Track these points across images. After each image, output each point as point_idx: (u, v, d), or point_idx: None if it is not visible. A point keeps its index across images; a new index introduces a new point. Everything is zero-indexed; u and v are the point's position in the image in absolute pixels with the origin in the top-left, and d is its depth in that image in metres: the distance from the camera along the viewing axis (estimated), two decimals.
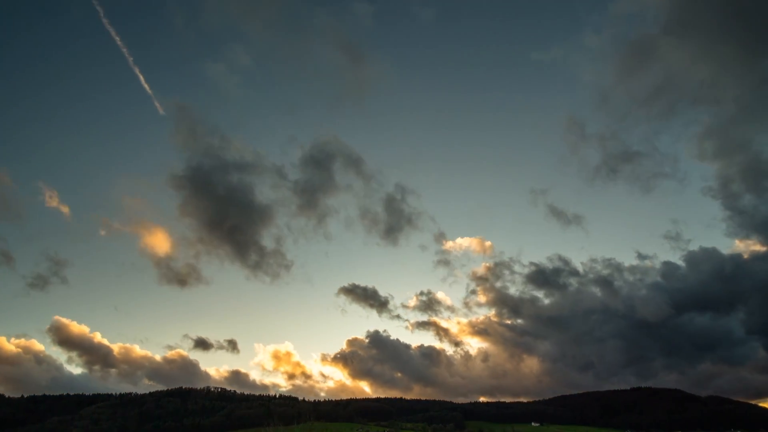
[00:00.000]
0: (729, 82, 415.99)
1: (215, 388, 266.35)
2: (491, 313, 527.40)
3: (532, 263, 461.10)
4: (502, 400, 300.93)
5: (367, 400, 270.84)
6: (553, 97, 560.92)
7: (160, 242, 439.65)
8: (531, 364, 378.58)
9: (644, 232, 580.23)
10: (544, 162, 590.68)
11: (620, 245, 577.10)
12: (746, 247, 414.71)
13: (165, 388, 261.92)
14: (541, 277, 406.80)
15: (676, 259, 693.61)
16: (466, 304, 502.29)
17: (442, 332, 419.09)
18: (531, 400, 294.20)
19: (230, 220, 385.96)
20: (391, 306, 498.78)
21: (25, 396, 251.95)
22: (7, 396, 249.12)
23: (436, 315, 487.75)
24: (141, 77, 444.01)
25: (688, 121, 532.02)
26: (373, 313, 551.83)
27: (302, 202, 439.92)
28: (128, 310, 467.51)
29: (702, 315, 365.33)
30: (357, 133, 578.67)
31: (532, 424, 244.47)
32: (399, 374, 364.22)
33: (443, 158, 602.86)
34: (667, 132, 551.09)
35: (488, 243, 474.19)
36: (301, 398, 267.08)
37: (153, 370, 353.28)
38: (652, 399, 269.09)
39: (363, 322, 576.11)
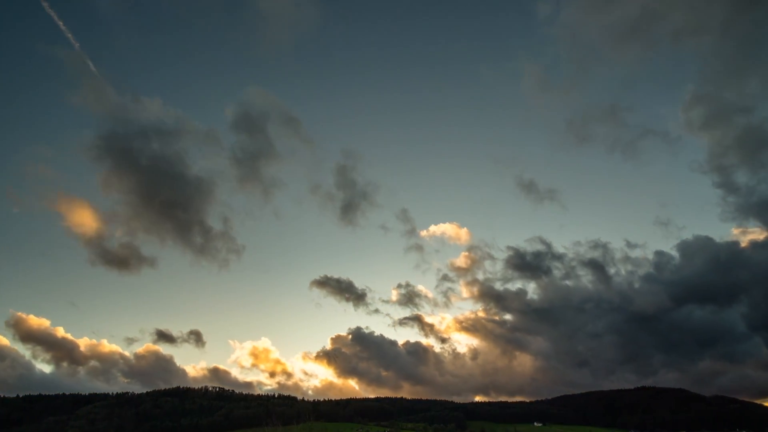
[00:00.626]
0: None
1: (213, 387, 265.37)
2: (478, 308, 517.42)
3: (510, 248, 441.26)
4: (499, 399, 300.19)
5: (367, 400, 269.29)
6: (509, 40, 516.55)
7: (85, 219, 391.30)
8: (524, 362, 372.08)
9: (631, 211, 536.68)
10: (508, 125, 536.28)
11: (604, 223, 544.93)
12: (743, 234, 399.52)
13: (162, 388, 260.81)
14: (521, 262, 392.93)
15: (668, 246, 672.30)
16: (447, 297, 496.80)
17: (427, 328, 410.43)
18: (533, 399, 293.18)
19: (162, 194, 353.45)
20: (369, 299, 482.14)
21: (21, 395, 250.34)
22: (2, 396, 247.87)
23: (418, 309, 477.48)
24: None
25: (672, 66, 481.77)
26: (350, 306, 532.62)
27: (242, 173, 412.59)
28: (64, 295, 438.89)
29: (701, 309, 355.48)
30: (293, 90, 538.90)
31: (535, 424, 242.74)
32: (387, 372, 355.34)
33: (393, 123, 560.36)
34: (649, 81, 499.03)
35: (464, 230, 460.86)
36: (300, 398, 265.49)
37: (129, 367, 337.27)
38: (656, 398, 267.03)
39: (341, 317, 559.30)
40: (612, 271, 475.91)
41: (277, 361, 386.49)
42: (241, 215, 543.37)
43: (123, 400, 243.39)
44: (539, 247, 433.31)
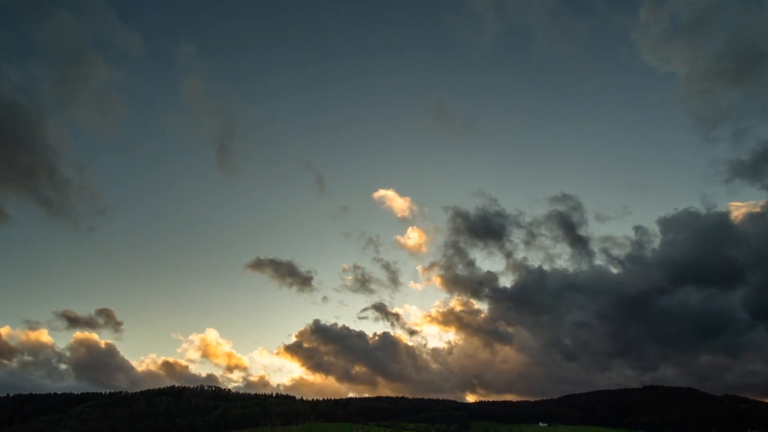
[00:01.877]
0: None
1: (209, 386, 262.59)
2: (447, 297, 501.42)
3: (453, 209, 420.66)
4: (492, 398, 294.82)
5: (368, 399, 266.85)
6: None
7: None
8: (508, 356, 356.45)
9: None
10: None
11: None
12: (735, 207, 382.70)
13: (157, 387, 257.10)
14: (473, 228, 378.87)
15: (649, 219, 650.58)
16: (399, 280, 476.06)
17: (392, 317, 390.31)
18: (538, 399, 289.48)
19: None
20: (316, 284, 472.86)
21: (11, 395, 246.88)
22: None
23: (374, 295, 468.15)
24: None
25: None
26: (294, 292, 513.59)
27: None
28: None
29: (697, 294, 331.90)
30: None
31: (540, 424, 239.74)
32: (359, 367, 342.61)
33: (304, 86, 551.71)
34: None
35: (407, 198, 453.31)
36: (298, 397, 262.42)
37: (65, 361, 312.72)
38: (665, 398, 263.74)
39: (291, 305, 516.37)
40: (591, 247, 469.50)
41: (231, 355, 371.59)
42: (91, 162, 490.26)
43: (116, 399, 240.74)
44: (489, 207, 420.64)
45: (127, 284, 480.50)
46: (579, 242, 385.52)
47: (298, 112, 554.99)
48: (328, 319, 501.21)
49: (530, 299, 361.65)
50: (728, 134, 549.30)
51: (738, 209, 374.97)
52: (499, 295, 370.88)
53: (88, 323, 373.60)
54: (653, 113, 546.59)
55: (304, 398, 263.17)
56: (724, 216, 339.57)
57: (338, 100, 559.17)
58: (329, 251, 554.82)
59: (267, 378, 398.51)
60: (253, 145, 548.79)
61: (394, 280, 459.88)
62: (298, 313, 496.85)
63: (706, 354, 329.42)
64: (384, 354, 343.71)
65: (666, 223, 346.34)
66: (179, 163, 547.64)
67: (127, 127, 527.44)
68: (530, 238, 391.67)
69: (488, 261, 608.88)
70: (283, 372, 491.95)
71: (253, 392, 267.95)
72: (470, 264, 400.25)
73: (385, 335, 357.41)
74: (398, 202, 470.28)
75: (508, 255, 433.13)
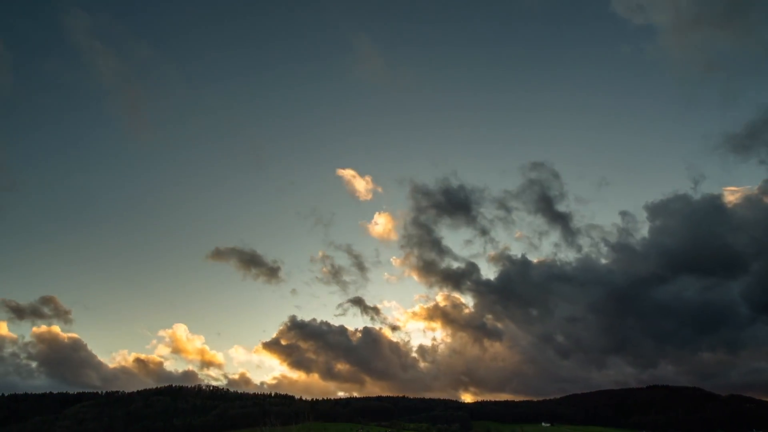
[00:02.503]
0: None
1: (207, 386, 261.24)
2: (430, 291, 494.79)
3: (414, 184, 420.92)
4: (488, 398, 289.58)
5: (368, 399, 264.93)
6: None
7: None
8: (498, 353, 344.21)
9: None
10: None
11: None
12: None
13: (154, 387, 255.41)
14: (439, 204, 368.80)
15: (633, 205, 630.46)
16: (372, 270, 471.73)
17: (371, 312, 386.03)
18: (540, 399, 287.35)
19: None
20: (283, 275, 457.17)
21: (6, 395, 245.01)
22: None
23: (344, 287, 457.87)
24: None
25: None
26: (263, 284, 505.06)
27: None
28: None
29: (693, 286, 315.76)
30: None
31: (543, 424, 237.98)
32: (344, 365, 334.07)
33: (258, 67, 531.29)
34: None
35: (368, 178, 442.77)
36: (297, 397, 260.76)
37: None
38: (669, 398, 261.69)
39: (261, 297, 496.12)
40: (573, 225, 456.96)
41: (204, 351, 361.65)
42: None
43: (113, 399, 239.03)
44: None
45: (69, 271, 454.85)
46: (560, 219, 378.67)
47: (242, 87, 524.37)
48: (300, 313, 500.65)
49: (516, 292, 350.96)
50: (716, 99, 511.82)
51: (733, 194, 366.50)
52: (483, 288, 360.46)
53: (35, 313, 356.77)
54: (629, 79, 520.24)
55: (303, 398, 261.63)
56: (717, 199, 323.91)
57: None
58: (293, 239, 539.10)
59: (248, 375, 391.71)
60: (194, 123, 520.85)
61: (366, 271, 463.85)
62: (269, 307, 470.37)
63: (706, 350, 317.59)
64: (368, 351, 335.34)
65: (655, 209, 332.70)
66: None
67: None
68: (505, 213, 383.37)
69: (467, 248, 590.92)
70: (263, 369, 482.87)
71: (240, 391, 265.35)
72: (442, 248, 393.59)
73: (367, 331, 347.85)
74: (360, 183, 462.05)
75: (483, 232, 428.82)
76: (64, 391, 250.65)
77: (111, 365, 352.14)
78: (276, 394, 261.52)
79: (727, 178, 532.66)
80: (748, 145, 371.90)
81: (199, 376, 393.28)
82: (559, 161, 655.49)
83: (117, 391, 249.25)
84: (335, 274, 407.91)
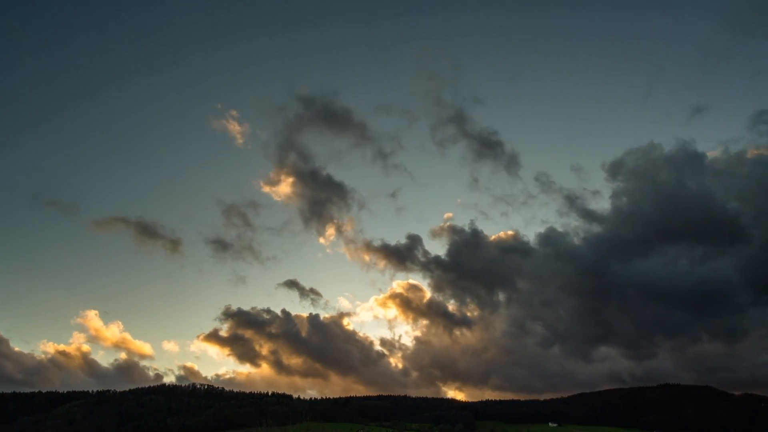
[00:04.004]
0: None
1: (201, 385, 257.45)
2: (372, 267, 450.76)
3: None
4: (494, 397, 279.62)
5: (368, 398, 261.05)
6: None
7: None
8: (469, 344, 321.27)
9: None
10: None
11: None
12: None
13: (147, 386, 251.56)
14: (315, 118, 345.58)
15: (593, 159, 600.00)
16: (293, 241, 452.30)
17: (309, 295, 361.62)
18: (548, 398, 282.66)
19: None
20: (185, 249, 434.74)
21: None
22: None
23: (266, 263, 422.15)
24: None
25: None
26: (161, 258, 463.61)
27: None
28: None
29: (680, 259, 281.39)
30: None
31: (550, 424, 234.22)
32: (298, 357, 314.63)
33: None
34: None
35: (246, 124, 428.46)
36: (295, 396, 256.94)
37: None
38: (681, 397, 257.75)
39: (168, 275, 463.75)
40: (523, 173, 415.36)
41: (126, 340, 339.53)
42: None
43: (104, 398, 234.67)
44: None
45: None
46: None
47: None
48: (230, 298, 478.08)
49: (473, 270, 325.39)
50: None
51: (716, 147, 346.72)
52: (433, 266, 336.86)
53: None
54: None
55: (301, 397, 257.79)
56: (700, 158, 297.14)
57: None
58: (190, 208, 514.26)
59: (196, 368, 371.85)
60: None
61: (284, 240, 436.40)
62: (182, 288, 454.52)
63: (706, 340, 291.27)
64: (325, 343, 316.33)
65: (619, 167, 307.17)
66: None
67: None
68: (425, 142, 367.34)
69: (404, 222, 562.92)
70: (203, 361, 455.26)
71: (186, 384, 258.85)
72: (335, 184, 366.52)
73: (316, 319, 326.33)
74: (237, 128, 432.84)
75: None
76: (54, 390, 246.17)
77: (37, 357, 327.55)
78: (273, 393, 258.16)
79: (707, 129, 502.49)
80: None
81: (140, 370, 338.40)
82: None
83: (108, 390, 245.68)
84: (251, 250, 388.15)
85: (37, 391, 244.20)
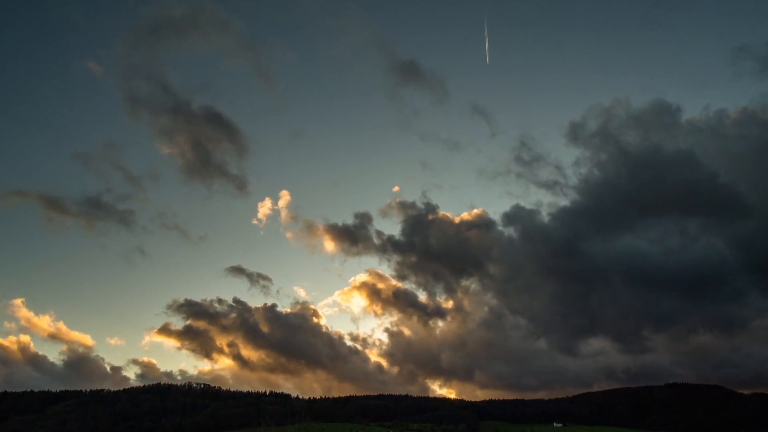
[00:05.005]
0: None
1: (197, 384, 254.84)
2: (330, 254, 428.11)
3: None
4: (497, 396, 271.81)
5: (369, 398, 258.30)
6: None
7: None
8: (446, 337, 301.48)
9: None
10: None
11: None
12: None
13: (142, 385, 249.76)
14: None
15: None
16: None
17: (259, 280, 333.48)
18: (552, 397, 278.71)
19: None
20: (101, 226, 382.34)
21: None
22: None
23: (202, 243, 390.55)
24: None
25: None
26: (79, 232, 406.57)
27: None
28: None
29: (666, 237, 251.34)
30: None
31: (554, 424, 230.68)
32: (261, 353, 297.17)
33: None
34: None
35: None
36: (294, 395, 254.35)
37: None
38: (689, 396, 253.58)
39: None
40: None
41: (59, 328, 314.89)
42: None
43: (97, 398, 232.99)
44: None
45: None
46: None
47: None
48: (168, 283, 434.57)
49: (435, 253, 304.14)
50: None
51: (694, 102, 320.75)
52: (391, 248, 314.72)
53: None
54: None
55: (300, 396, 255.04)
56: (674, 113, 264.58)
57: None
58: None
59: (155, 363, 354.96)
60: None
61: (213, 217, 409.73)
62: (114, 273, 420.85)
63: (702, 332, 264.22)
64: (286, 335, 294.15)
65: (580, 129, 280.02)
66: None
67: None
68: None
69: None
70: (153, 355, 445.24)
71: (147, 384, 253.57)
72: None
73: (272, 311, 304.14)
74: None
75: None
76: (46, 389, 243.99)
77: None
78: (271, 392, 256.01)
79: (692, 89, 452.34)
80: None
81: (93, 364, 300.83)
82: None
83: (102, 390, 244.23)
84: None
85: (29, 390, 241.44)
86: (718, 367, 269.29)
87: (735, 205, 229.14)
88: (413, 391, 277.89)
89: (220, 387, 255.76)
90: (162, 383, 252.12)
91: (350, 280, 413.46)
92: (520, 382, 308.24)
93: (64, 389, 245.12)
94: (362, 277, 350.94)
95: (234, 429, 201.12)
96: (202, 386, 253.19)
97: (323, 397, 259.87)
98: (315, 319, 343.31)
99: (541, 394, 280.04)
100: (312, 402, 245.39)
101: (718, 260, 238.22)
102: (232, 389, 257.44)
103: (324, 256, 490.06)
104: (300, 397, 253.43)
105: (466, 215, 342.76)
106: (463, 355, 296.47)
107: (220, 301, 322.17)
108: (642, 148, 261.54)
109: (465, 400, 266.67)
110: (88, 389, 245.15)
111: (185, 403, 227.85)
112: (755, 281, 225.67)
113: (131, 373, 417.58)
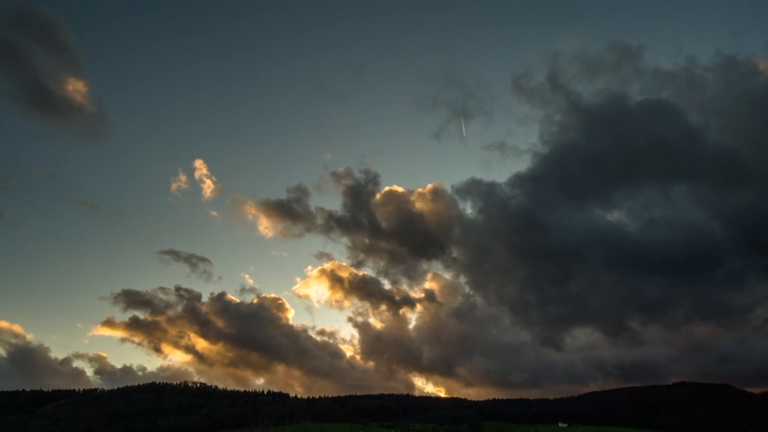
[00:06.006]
0: None
1: (193, 383, 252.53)
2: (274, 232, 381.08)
3: None
4: (502, 396, 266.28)
5: (370, 397, 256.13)
6: None
7: None
8: (419, 328, 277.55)
9: None
10: None
11: None
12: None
13: (136, 384, 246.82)
14: None
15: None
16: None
17: (197, 263, 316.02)
18: (558, 397, 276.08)
19: None
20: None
21: None
22: None
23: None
24: None
25: None
26: None
27: None
28: None
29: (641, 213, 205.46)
30: None
31: (559, 424, 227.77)
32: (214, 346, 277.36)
33: None
34: None
35: None
36: (292, 395, 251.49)
37: None
38: (697, 396, 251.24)
39: None
40: None
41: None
42: None
43: (91, 397, 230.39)
44: None
45: None
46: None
47: None
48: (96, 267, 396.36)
49: (381, 229, 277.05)
50: None
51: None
52: (336, 227, 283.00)
53: None
54: None
55: (298, 395, 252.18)
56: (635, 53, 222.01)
57: None
58: None
59: (107, 358, 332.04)
60: None
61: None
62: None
63: (698, 323, 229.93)
64: (243, 325, 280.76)
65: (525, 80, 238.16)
66: None
67: None
68: None
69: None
70: (97, 348, 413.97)
71: (241, 389, 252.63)
72: None
73: (221, 300, 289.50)
74: None
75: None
76: (38, 389, 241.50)
77: None
78: (269, 391, 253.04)
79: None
80: None
81: (40, 357, 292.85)
82: None
83: (95, 389, 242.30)
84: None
85: (21, 389, 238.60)
86: (720, 362, 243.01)
87: (730, 170, 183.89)
88: (394, 387, 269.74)
89: (216, 386, 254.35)
90: (157, 382, 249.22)
91: (305, 268, 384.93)
92: (507, 380, 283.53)
93: (56, 388, 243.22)
94: (314, 261, 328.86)
95: (231, 429, 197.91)
96: (198, 385, 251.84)
97: (322, 396, 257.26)
98: (277, 311, 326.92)
99: (535, 393, 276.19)
100: (311, 401, 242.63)
101: (710, 237, 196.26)
102: (228, 388, 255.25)
103: (262, 237, 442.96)
104: (298, 396, 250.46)
105: (418, 189, 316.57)
106: (441, 349, 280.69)
107: (163, 290, 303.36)
108: (601, 99, 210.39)
109: (468, 400, 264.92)
110: (81, 389, 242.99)
111: (181, 403, 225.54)
112: (755, 263, 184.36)
113: (84, 366, 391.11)
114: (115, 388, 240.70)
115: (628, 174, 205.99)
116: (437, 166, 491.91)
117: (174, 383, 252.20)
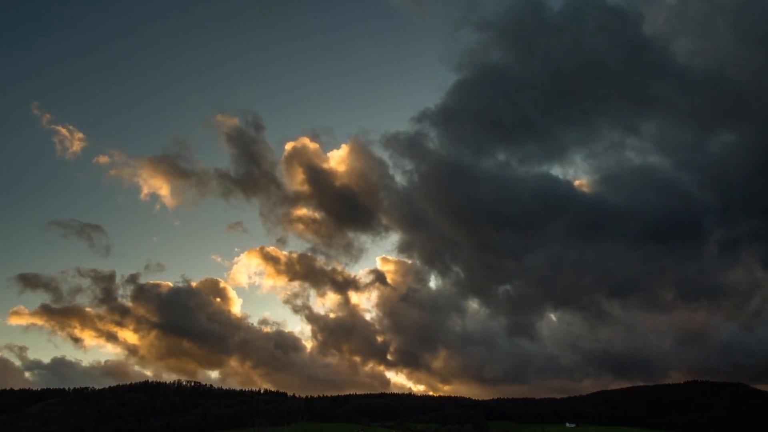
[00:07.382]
0: None
1: (187, 382, 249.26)
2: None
3: None
4: (506, 395, 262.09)
5: (370, 397, 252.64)
6: None
7: None
8: (373, 315, 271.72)
9: None
10: None
11: None
12: None
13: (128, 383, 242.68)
14: None
15: None
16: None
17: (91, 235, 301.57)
18: (565, 396, 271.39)
19: None
20: None
21: None
22: None
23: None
24: None
25: None
26: None
27: None
28: None
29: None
30: None
31: (567, 425, 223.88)
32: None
33: None
34: None
35: None
36: (290, 394, 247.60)
37: None
38: (710, 395, 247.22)
39: None
40: None
41: None
42: None
43: (81, 396, 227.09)
44: None
45: None
46: None
47: None
48: None
49: (289, 192, 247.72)
50: None
51: None
52: (237, 190, 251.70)
53: None
54: None
55: (296, 395, 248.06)
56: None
57: None
58: None
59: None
60: None
61: None
62: None
63: (692, 307, 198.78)
64: (172, 311, 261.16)
65: None
66: None
67: None
68: None
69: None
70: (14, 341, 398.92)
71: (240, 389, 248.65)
72: None
73: (134, 281, 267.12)
74: None
75: None
76: (26, 388, 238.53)
77: None
78: (266, 390, 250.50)
79: None
80: None
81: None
82: None
83: (86, 388, 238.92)
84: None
85: (8, 388, 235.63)
86: (724, 354, 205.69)
87: (718, 108, 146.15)
88: (361, 381, 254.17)
89: (211, 385, 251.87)
90: (150, 381, 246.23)
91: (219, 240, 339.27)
92: (482, 375, 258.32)
93: (46, 387, 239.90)
94: (233, 235, 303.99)
95: (226, 429, 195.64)
96: (192, 384, 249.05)
97: (321, 395, 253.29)
98: (216, 298, 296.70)
99: (525, 389, 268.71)
100: (309, 401, 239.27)
101: (692, 199, 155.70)
102: (224, 387, 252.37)
103: (151, 202, 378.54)
104: (296, 395, 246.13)
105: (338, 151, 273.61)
106: (407, 340, 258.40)
107: (64, 272, 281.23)
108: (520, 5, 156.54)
109: (472, 399, 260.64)
110: (71, 387, 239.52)
111: (175, 403, 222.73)
112: (751, 230, 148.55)
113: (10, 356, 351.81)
114: (107, 387, 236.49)
115: (576, 105, 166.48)
116: (327, 111, 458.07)
117: (167, 382, 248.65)
